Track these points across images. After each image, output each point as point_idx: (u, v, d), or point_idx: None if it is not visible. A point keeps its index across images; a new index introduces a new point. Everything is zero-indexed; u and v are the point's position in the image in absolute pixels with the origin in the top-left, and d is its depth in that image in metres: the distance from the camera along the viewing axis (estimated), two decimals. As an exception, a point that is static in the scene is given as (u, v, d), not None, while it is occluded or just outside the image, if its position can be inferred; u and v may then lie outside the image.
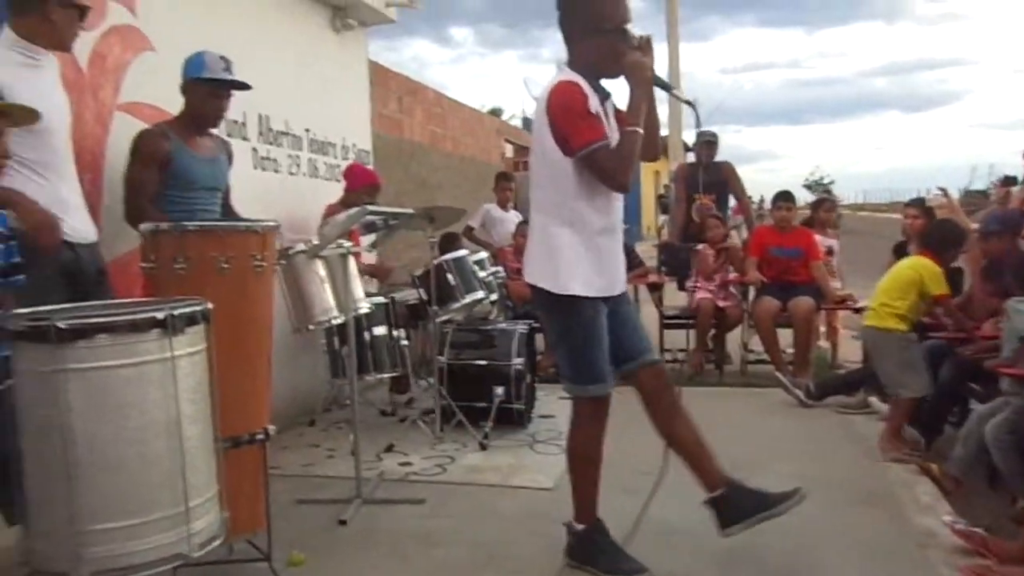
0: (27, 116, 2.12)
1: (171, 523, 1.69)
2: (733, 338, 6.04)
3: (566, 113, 2.46)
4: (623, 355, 2.67)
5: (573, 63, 2.56)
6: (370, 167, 5.50)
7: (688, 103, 2.64)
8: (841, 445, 4.10)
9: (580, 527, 2.69)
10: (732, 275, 5.92)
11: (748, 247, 5.96)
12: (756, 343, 5.76)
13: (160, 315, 1.69)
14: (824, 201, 7.02)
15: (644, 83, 2.49)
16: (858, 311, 5.59)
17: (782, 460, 3.76)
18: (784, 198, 5.90)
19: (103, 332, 1.64)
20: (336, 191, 5.08)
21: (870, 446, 3.95)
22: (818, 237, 5.93)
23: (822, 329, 6.18)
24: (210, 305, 1.84)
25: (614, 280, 2.63)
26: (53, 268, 2.48)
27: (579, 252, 2.53)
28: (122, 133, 3.35)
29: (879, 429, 4.06)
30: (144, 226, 2.47)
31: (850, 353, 5.95)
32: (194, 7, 3.94)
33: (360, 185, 4.89)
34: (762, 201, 27.27)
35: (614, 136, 2.52)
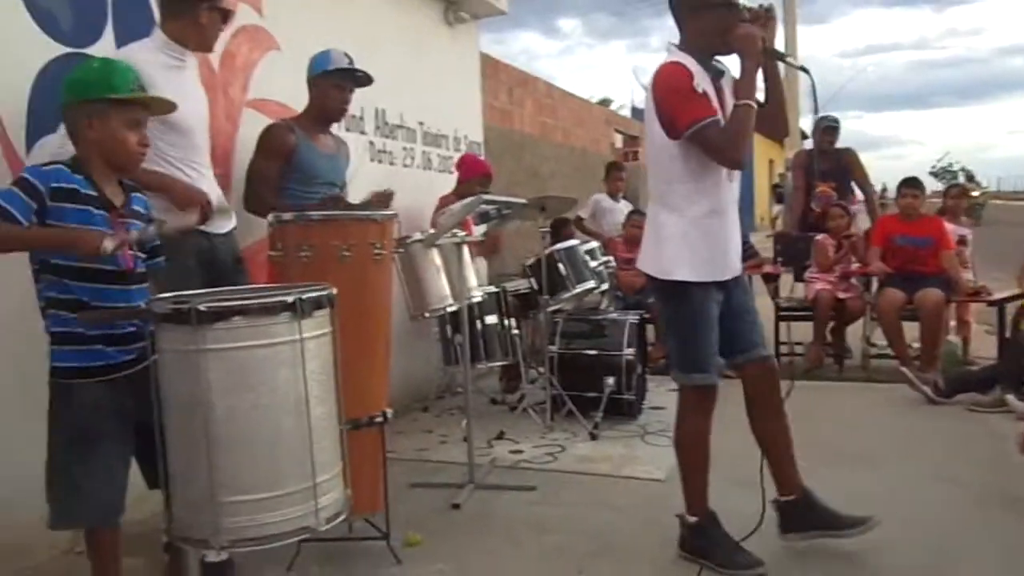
0: (164, 106, 2.25)
1: (301, 497, 1.77)
2: (854, 331, 5.80)
3: (671, 94, 2.42)
4: (735, 347, 2.63)
5: (683, 43, 2.52)
6: (482, 157, 5.57)
7: (803, 69, 2.55)
8: (974, 444, 3.86)
9: (692, 519, 2.65)
10: (854, 265, 5.68)
11: (871, 236, 5.70)
12: (879, 336, 5.51)
13: (290, 299, 1.77)
14: (953, 187, 6.61)
15: (754, 55, 2.39)
16: (992, 304, 5.27)
17: (907, 458, 3.59)
18: (910, 184, 5.60)
19: (239, 315, 1.73)
20: (449, 183, 5.18)
21: (1007, 447, 3.72)
22: (949, 226, 5.61)
23: (952, 323, 5.84)
24: (335, 290, 1.91)
25: (725, 265, 2.55)
26: (191, 256, 2.65)
27: (685, 237, 2.49)
28: (250, 128, 3.52)
29: (1018, 428, 3.80)
30: (271, 216, 2.60)
31: (983, 348, 5.62)
32: (316, 7, 4.10)
33: (473, 175, 4.96)
34: (884, 190, 26.04)
35: (728, 113, 2.45)
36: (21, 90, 2.68)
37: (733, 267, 2.59)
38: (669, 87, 2.42)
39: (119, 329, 2.05)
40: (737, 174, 2.56)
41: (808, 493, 2.68)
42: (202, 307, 1.71)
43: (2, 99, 2.61)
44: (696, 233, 2.49)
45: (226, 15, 2.85)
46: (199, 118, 2.79)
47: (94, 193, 2.04)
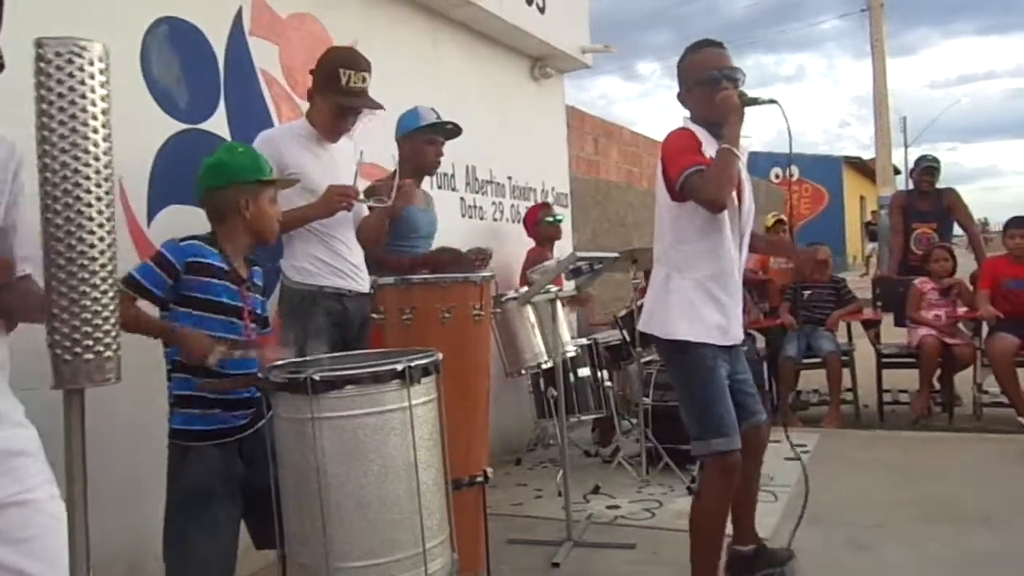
0: (288, 184, 2.43)
1: (411, 563, 1.79)
2: (964, 379, 5.53)
3: (672, 153, 2.53)
4: (740, 414, 2.61)
5: (692, 117, 2.65)
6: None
7: (772, 101, 2.58)
8: (1105, 502, 3.62)
9: None
10: (961, 310, 5.44)
11: (979, 279, 5.46)
12: (992, 383, 5.25)
13: (399, 367, 1.82)
14: None
15: (733, 111, 2.48)
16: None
17: (1029, 517, 3.38)
18: (1019, 224, 5.35)
19: (351, 384, 1.79)
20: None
21: None
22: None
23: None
24: (440, 356, 1.96)
25: (729, 329, 2.57)
26: (322, 316, 2.81)
27: (689, 297, 2.53)
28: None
29: None
30: (372, 279, 2.70)
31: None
32: (407, 70, 4.24)
33: (536, 218, 5.05)
34: (986, 223, 24.97)
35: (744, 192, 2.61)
36: (143, 165, 2.86)
37: (735, 335, 2.61)
38: (672, 147, 2.55)
39: (236, 394, 2.15)
40: (746, 242, 2.65)
41: (763, 543, 2.88)
42: (316, 377, 1.78)
43: (126, 174, 2.79)
44: (701, 294, 2.53)
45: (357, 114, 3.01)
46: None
47: (227, 267, 2.18)
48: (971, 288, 5.50)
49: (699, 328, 2.52)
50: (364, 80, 2.89)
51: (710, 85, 2.55)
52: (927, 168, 6.02)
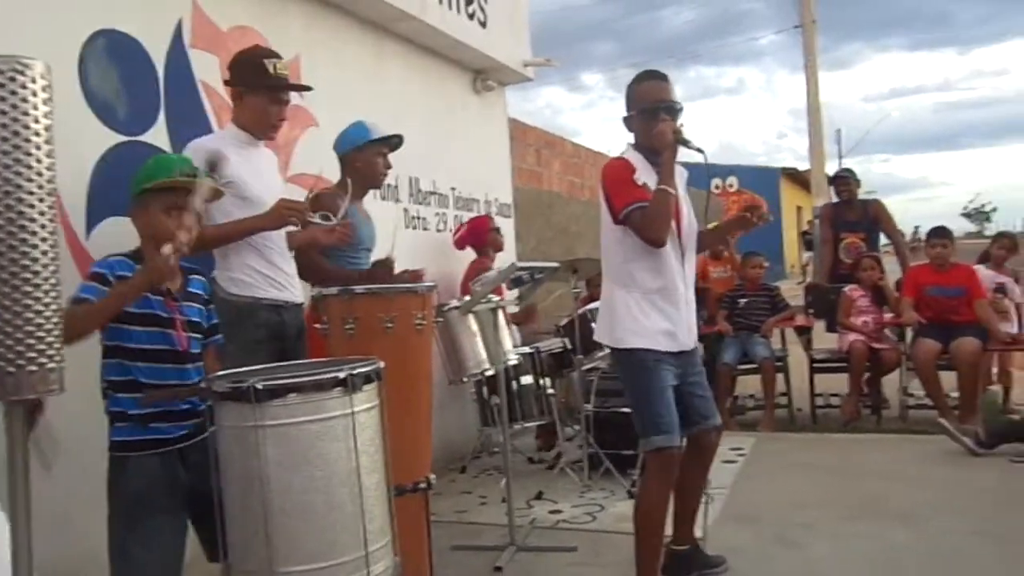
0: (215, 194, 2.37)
1: (354, 566, 1.83)
2: (891, 383, 5.77)
3: (612, 184, 2.74)
4: (691, 419, 2.81)
5: (635, 144, 2.84)
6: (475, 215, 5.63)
7: (699, 150, 2.78)
8: (1018, 497, 3.82)
9: None
10: (887, 316, 5.68)
11: (903, 287, 5.71)
12: (917, 387, 5.49)
13: (341, 375, 1.86)
14: (1004, 236, 6.27)
15: (668, 146, 2.69)
16: (1031, 352, 5.23)
17: (951, 514, 3.56)
18: (939, 235, 5.62)
19: (293, 392, 1.83)
20: (481, 245, 5.28)
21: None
22: (988, 273, 5.62)
23: (994, 371, 5.79)
24: (382, 364, 2.00)
25: (676, 338, 2.75)
26: (261, 329, 2.82)
27: (634, 308, 2.74)
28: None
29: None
30: (314, 291, 2.73)
31: (1025, 397, 5.56)
32: (349, 84, 4.28)
33: (484, 235, 5.11)
34: (916, 231, 25.86)
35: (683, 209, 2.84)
36: (81, 178, 2.84)
37: (684, 342, 2.79)
38: (611, 178, 2.77)
39: (174, 407, 2.16)
40: (691, 257, 2.86)
41: (699, 546, 3.01)
42: (259, 385, 1.81)
43: (64, 186, 2.73)
44: (646, 306, 2.73)
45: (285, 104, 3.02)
46: (273, 195, 2.93)
47: None
48: (896, 295, 5.74)
49: (642, 335, 2.72)
50: (286, 68, 2.96)
51: (650, 115, 2.74)
52: (841, 178, 6.33)
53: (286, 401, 1.81)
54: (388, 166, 3.57)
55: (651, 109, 2.74)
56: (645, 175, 2.72)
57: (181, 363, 2.19)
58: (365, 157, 3.49)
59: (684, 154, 2.75)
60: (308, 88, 3.22)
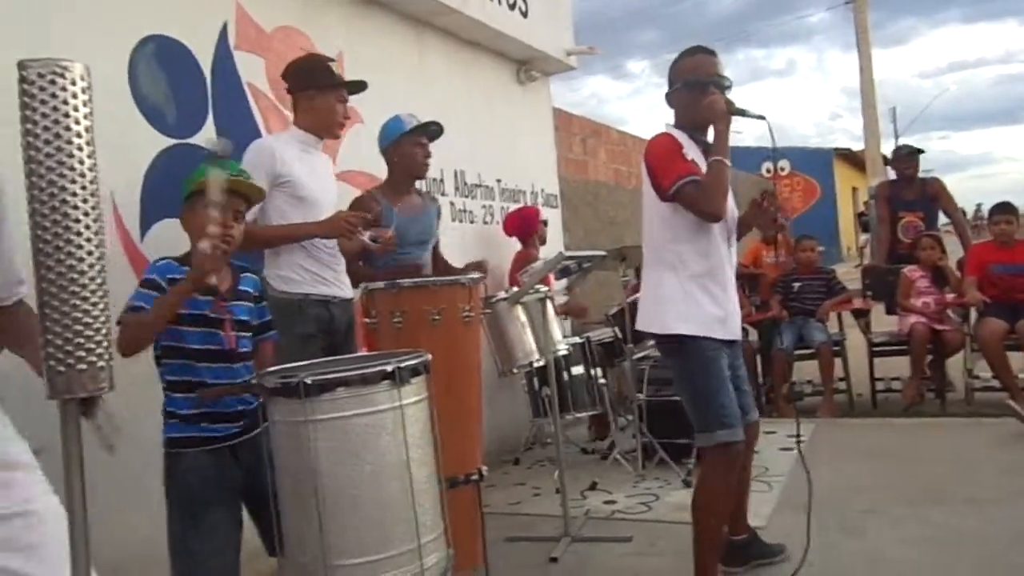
0: (253, 190, 2.39)
1: (407, 559, 1.84)
2: (955, 364, 5.59)
3: (658, 160, 2.61)
4: None
5: (676, 122, 2.73)
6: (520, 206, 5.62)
7: (760, 117, 2.67)
8: (1094, 481, 3.67)
9: None
10: (949, 296, 5.50)
11: (966, 266, 5.52)
12: (983, 368, 5.30)
13: (389, 368, 1.87)
14: None
15: (722, 118, 2.56)
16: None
17: (1019, 498, 3.42)
18: (1003, 210, 5.42)
19: (342, 386, 1.84)
20: (528, 236, 5.27)
21: None
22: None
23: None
24: (430, 356, 2.00)
25: (727, 321, 2.63)
26: (311, 324, 2.89)
27: (684, 293, 2.59)
28: (340, 200, 3.69)
29: None
30: (362, 286, 2.75)
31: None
32: (393, 80, 4.30)
33: (531, 227, 5.08)
34: (979, 209, 25.00)
35: None
36: (135, 181, 2.91)
37: (734, 329, 2.67)
38: (657, 154, 2.63)
39: (225, 407, 2.20)
40: (734, 240, 2.73)
41: (755, 533, 2.99)
42: (308, 380, 1.82)
43: (118, 190, 2.83)
44: (696, 290, 2.59)
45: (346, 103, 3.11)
46: (328, 197, 3.04)
47: None
48: (958, 274, 5.56)
49: (697, 322, 2.57)
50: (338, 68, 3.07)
51: (699, 89, 2.62)
52: (908, 153, 6.09)
53: (335, 395, 1.82)
54: (428, 155, 3.57)
55: (700, 82, 2.63)
56: (690, 152, 2.61)
57: (230, 362, 2.22)
58: (403, 150, 3.50)
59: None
60: (365, 86, 3.25)
